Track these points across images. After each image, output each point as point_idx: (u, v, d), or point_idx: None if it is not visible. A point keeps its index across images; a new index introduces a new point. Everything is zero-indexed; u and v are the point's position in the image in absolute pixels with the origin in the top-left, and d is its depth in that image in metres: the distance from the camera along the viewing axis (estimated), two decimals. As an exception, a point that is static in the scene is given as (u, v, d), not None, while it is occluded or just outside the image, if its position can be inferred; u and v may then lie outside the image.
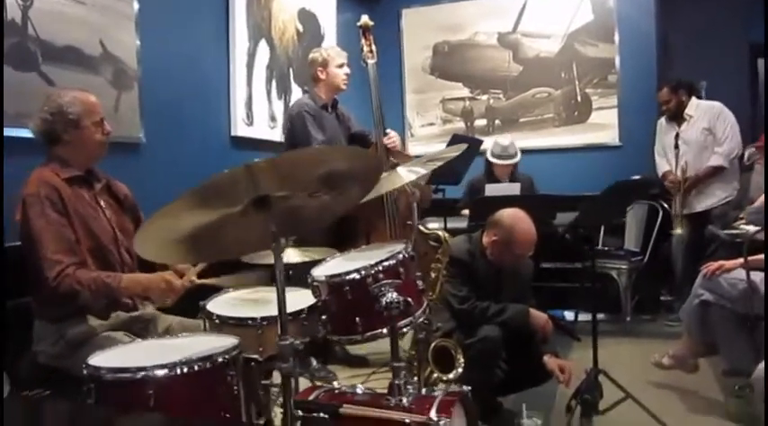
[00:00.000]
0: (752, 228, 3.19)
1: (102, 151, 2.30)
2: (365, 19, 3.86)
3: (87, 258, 2.15)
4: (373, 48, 3.85)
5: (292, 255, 2.53)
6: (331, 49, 3.95)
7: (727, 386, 3.19)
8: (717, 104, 4.56)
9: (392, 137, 3.79)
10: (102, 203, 2.29)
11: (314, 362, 2.23)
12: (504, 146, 4.69)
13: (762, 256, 3.01)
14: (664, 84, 4.73)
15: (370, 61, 3.84)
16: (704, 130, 4.53)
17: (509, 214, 2.78)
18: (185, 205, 1.41)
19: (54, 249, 2.05)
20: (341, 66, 3.85)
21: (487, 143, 4.74)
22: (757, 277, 2.95)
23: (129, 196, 2.44)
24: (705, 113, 4.55)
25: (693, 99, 4.61)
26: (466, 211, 4.61)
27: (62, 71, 2.88)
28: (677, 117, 4.63)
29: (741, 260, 2.99)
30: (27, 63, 2.74)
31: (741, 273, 2.97)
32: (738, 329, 2.99)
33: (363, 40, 3.86)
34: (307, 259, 2.49)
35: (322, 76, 3.84)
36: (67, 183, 2.18)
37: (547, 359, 2.76)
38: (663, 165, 4.73)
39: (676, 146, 4.56)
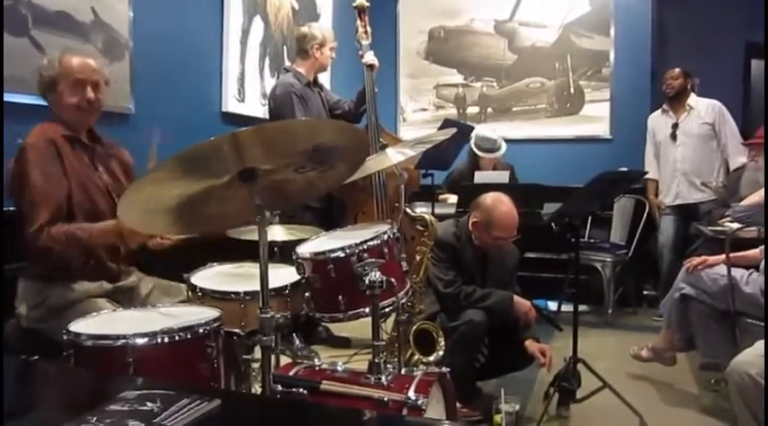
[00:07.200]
0: (735, 226, 3.21)
1: (80, 116, 2.18)
2: None
3: (78, 216, 2.11)
4: (368, 29, 3.85)
5: (278, 233, 2.53)
6: (326, 31, 3.95)
7: (703, 380, 3.25)
8: (717, 102, 4.56)
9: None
10: (100, 168, 2.26)
11: (297, 341, 2.23)
12: (493, 139, 4.66)
13: (743, 253, 3.05)
14: (677, 67, 4.67)
15: (365, 42, 3.85)
16: (705, 125, 4.53)
17: (491, 197, 2.80)
18: (170, 174, 1.39)
19: (39, 202, 2.01)
20: (332, 49, 3.87)
21: (478, 131, 4.73)
22: (738, 273, 2.99)
23: (131, 167, 2.41)
24: (706, 109, 4.55)
25: (693, 94, 4.63)
26: (445, 197, 4.61)
27: (52, 37, 2.85)
28: (677, 100, 4.60)
29: (723, 256, 3.03)
30: (18, 27, 2.71)
31: (723, 269, 3.00)
32: (717, 324, 3.02)
33: (358, 21, 3.86)
34: (293, 237, 2.49)
35: (317, 54, 3.82)
36: (68, 142, 2.15)
37: (528, 343, 2.79)
38: (653, 170, 4.72)
39: (674, 136, 4.59)
